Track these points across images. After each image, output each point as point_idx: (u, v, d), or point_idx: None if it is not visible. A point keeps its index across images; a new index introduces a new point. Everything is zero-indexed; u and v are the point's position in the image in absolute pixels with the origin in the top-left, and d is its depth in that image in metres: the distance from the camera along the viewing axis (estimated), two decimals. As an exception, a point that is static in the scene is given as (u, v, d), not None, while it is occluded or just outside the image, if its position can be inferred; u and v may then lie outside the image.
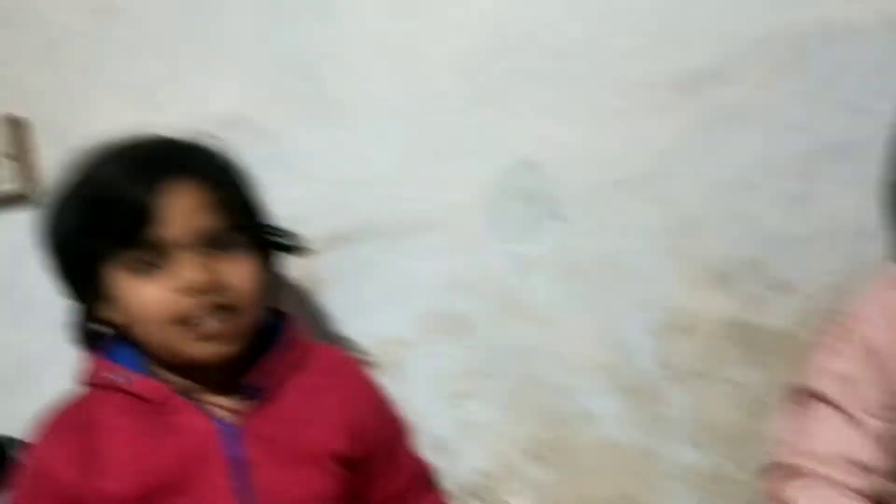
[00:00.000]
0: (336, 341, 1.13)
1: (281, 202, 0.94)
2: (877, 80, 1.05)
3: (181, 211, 0.79)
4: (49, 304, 0.97)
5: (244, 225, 0.84)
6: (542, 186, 1.11)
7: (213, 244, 0.80)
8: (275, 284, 0.92)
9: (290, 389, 0.86)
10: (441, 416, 1.14)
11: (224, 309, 0.80)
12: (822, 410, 0.84)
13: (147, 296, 0.79)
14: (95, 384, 0.85)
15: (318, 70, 1.11)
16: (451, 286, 1.14)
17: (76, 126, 1.06)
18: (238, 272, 0.81)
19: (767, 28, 1.06)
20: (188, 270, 0.78)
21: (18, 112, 1.11)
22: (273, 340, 0.87)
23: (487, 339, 1.14)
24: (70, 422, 0.84)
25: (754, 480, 1.11)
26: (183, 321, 0.79)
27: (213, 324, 0.79)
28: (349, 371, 0.94)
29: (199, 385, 0.83)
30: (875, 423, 0.80)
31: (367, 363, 1.09)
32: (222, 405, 0.83)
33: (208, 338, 0.79)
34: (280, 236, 0.92)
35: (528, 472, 1.15)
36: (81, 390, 0.86)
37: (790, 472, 0.83)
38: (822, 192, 1.07)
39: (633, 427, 1.14)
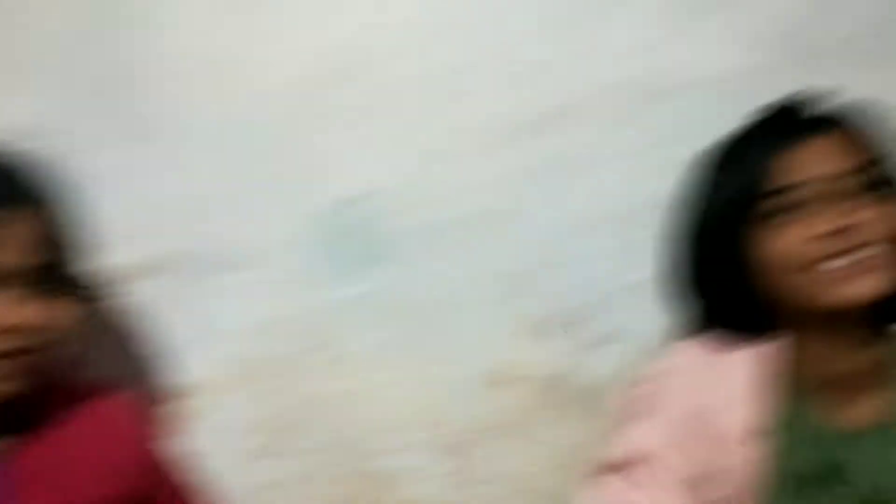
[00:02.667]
0: (134, 381, 1.02)
1: (89, 225, 0.85)
2: (709, 136, 1.07)
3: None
4: None
5: (59, 264, 0.78)
6: (367, 225, 1.05)
7: (27, 283, 0.74)
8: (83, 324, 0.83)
9: (60, 433, 0.82)
10: (242, 473, 1.03)
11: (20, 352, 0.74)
12: (626, 481, 0.79)
13: None
14: None
15: (133, 85, 1.02)
16: (263, 328, 1.05)
17: None
18: (43, 313, 0.75)
19: (609, 76, 1.07)
20: None
21: None
22: (56, 381, 0.83)
23: (299, 389, 1.05)
24: None
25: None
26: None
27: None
28: (120, 418, 0.88)
29: None
30: (675, 499, 0.76)
31: (163, 408, 1.00)
32: None
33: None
34: (90, 279, 0.88)
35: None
36: None
37: None
38: (648, 244, 1.06)
39: (449, 487, 1.07)
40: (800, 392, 0.76)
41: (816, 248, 0.72)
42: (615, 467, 0.80)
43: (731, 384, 0.78)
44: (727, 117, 1.02)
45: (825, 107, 0.80)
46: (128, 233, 1.02)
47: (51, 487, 0.79)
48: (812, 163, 0.73)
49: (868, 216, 0.72)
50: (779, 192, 0.73)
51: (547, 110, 1.06)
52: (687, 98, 1.06)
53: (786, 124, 0.77)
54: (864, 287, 0.71)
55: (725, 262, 0.79)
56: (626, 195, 1.07)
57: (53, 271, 0.77)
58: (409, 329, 1.06)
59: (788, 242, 0.73)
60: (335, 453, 1.06)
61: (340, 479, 1.05)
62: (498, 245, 1.07)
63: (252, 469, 1.04)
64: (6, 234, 0.73)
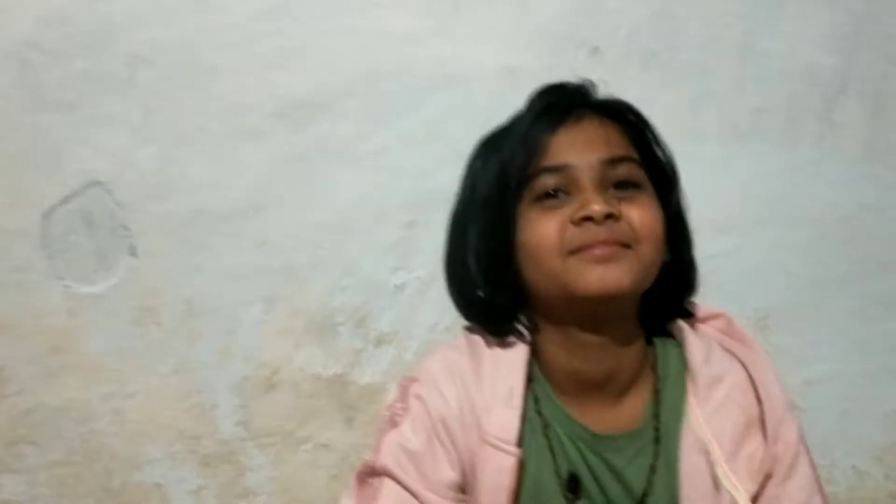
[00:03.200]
0: None
1: None
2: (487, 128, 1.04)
3: None
4: None
5: None
6: (111, 213, 0.94)
7: None
8: None
9: None
10: None
11: None
12: (386, 487, 0.75)
13: None
14: None
15: None
16: (-8, 330, 0.92)
17: None
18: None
19: (380, 64, 1.00)
20: None
21: None
22: None
23: (33, 397, 0.94)
24: None
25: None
26: None
27: None
28: None
29: None
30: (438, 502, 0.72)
31: None
32: None
33: None
34: None
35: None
36: None
37: None
38: (426, 241, 1.02)
39: (211, 500, 0.98)
40: (557, 394, 0.75)
41: (573, 233, 0.69)
42: (380, 471, 0.76)
43: (492, 386, 0.75)
44: (503, 111, 1.00)
45: (594, 96, 0.79)
46: None
47: None
48: (576, 147, 0.69)
49: (630, 211, 0.71)
50: (540, 172, 0.69)
51: (321, 94, 0.98)
52: (461, 91, 1.02)
53: (552, 107, 0.73)
54: (612, 279, 0.69)
55: (489, 247, 0.75)
56: (397, 189, 1.01)
57: None
58: (163, 330, 0.97)
59: (547, 227, 0.71)
60: (84, 468, 0.96)
61: (89, 496, 0.95)
62: (262, 238, 0.98)
63: None
64: None
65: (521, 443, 0.71)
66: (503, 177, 0.71)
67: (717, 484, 0.65)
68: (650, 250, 0.69)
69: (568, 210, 0.68)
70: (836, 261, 1.07)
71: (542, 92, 0.74)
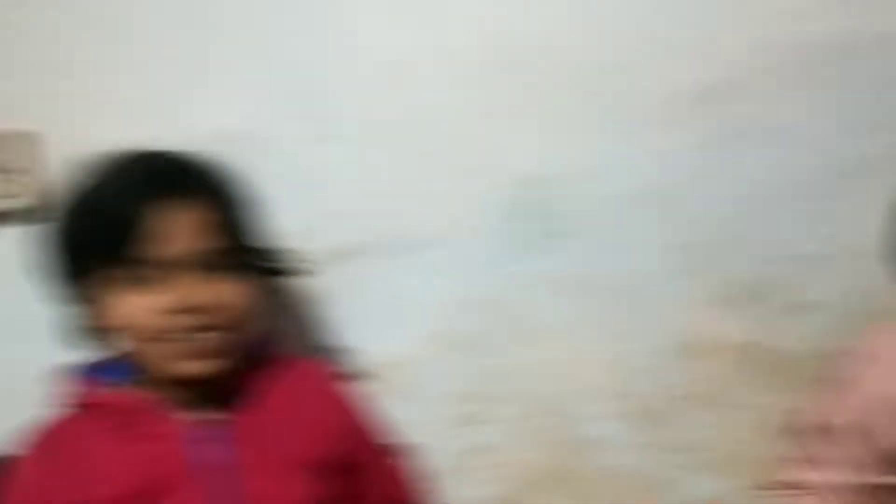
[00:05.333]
0: (336, 358, 1.10)
1: (284, 217, 0.95)
2: (887, 96, 1.02)
3: (178, 230, 0.79)
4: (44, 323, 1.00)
5: (239, 247, 0.85)
6: (549, 203, 1.08)
7: (206, 265, 0.81)
8: (271, 303, 0.93)
9: (272, 400, 0.87)
10: (446, 439, 1.10)
11: (212, 328, 0.81)
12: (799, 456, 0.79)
13: (137, 309, 0.80)
14: (77, 404, 0.86)
15: (319, 85, 1.09)
16: (456, 305, 1.10)
17: (83, 140, 1.05)
18: (229, 293, 0.82)
19: (788, 39, 1.04)
20: (182, 290, 0.79)
21: (28, 126, 1.11)
22: (258, 355, 0.89)
23: (493, 361, 1.10)
24: (55, 438, 0.85)
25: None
26: (171, 337, 0.80)
27: (200, 342, 0.80)
28: (326, 384, 0.95)
29: (186, 396, 0.83)
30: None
31: (368, 381, 1.08)
32: (207, 415, 0.84)
33: (195, 355, 0.81)
34: (276, 260, 0.94)
35: (537, 499, 1.11)
36: (64, 409, 0.87)
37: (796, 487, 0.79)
38: (839, 211, 1.03)
39: (645, 455, 1.10)
40: None
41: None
42: (800, 433, 0.81)
43: None
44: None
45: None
46: (325, 221, 1.09)
47: (268, 451, 0.84)
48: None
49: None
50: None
51: (717, 80, 1.05)
52: (860, 60, 1.02)
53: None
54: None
55: None
56: (802, 163, 1.04)
57: (235, 255, 0.83)
58: (595, 303, 1.09)
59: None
60: (534, 422, 1.10)
61: (540, 447, 1.10)
62: (679, 217, 1.07)
63: (456, 436, 1.10)
64: (187, 221, 0.80)
65: None
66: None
67: None
68: None
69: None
70: None
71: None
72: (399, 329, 1.11)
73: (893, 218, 0.81)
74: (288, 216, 0.97)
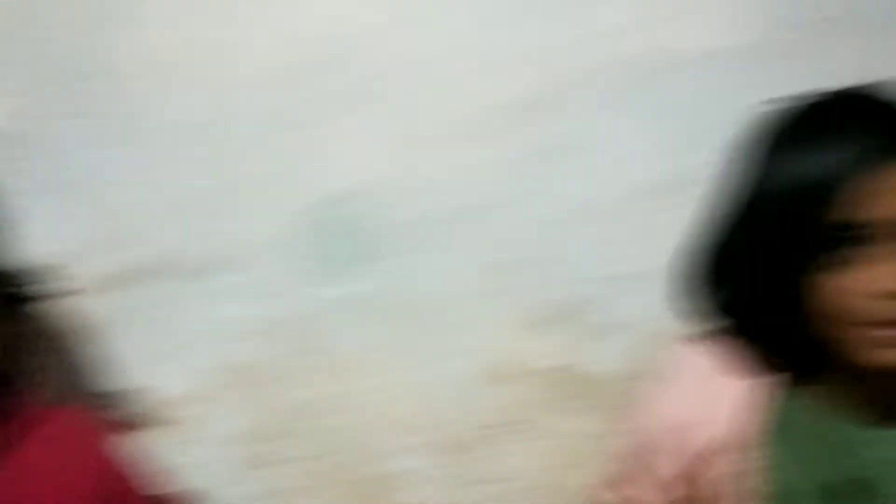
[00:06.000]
0: (108, 401, 0.98)
1: (51, 233, 0.86)
2: (707, 112, 1.02)
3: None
4: None
5: None
6: (356, 221, 1.00)
7: None
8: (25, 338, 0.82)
9: (19, 461, 0.79)
10: (236, 483, 1.00)
11: None
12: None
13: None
14: None
15: (111, 83, 0.98)
16: (249, 334, 1.01)
17: None
18: None
19: (595, 57, 1.01)
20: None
21: None
22: (6, 405, 0.81)
23: (292, 394, 1.02)
24: None
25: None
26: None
27: None
28: (86, 440, 0.85)
29: None
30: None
31: (146, 423, 0.97)
32: None
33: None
34: (32, 283, 0.85)
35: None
36: None
37: None
38: (653, 230, 1.01)
39: (453, 488, 1.04)
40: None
41: (876, 307, 0.63)
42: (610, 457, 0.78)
43: (734, 390, 0.74)
44: (723, 95, 0.99)
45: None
46: (107, 238, 0.98)
47: None
48: (881, 197, 0.62)
49: None
50: (844, 227, 0.62)
51: (535, 96, 1.00)
52: (679, 77, 1.01)
53: (861, 136, 0.63)
54: None
55: (766, 286, 0.68)
56: (620, 180, 1.01)
57: None
58: (403, 327, 1.02)
59: (846, 294, 0.63)
60: (333, 459, 1.02)
61: (339, 486, 1.02)
62: (491, 237, 1.02)
63: (248, 479, 1.01)
64: None
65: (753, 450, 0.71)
66: (792, 217, 0.64)
67: None
68: None
69: (871, 277, 0.62)
70: None
71: (845, 118, 0.66)
72: (183, 362, 1.00)
73: (702, 247, 0.77)
74: (57, 231, 0.88)
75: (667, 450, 0.74)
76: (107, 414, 0.93)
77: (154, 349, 1.00)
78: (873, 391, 0.69)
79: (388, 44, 1.00)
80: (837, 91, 0.67)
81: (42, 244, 0.91)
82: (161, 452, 0.94)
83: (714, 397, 0.73)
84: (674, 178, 1.01)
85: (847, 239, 0.62)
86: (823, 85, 0.69)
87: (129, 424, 0.95)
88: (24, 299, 0.84)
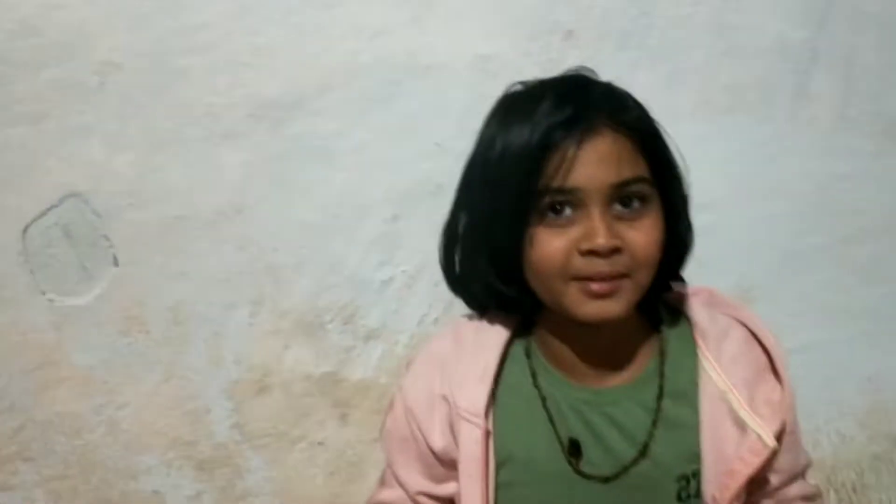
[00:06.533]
0: None
1: None
2: (464, 118, 1.03)
3: None
4: None
5: None
6: (90, 223, 0.93)
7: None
8: None
9: None
10: None
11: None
12: (388, 475, 0.77)
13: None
14: None
15: None
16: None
17: None
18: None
19: (352, 59, 0.99)
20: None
21: None
22: None
23: (22, 414, 0.94)
24: None
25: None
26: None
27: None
28: None
29: None
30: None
31: None
32: None
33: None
34: None
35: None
36: None
37: None
38: (409, 234, 1.02)
39: (210, 503, 0.99)
40: (554, 367, 0.77)
41: (577, 262, 0.70)
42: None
43: (469, 365, 0.78)
44: (486, 94, 1.00)
45: (607, 102, 0.77)
46: None
47: None
48: (587, 168, 0.69)
49: (633, 238, 0.72)
50: (553, 191, 0.69)
51: (281, 95, 0.97)
52: (436, 82, 1.01)
53: (568, 119, 0.70)
54: (609, 311, 0.70)
55: (489, 246, 0.76)
56: (378, 184, 1.00)
57: None
58: (150, 338, 0.97)
59: (557, 251, 0.71)
60: (79, 481, 0.96)
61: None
62: (248, 240, 0.98)
63: None
64: None
65: (488, 415, 0.73)
66: (515, 184, 0.71)
67: (741, 427, 0.68)
68: (646, 275, 0.70)
69: (574, 233, 0.69)
70: (813, 231, 1.08)
71: (565, 87, 0.73)
72: None
73: (446, 243, 0.80)
74: None
75: (416, 429, 0.76)
76: None
77: None
78: (586, 349, 0.74)
79: (124, 31, 0.93)
80: (558, 75, 0.74)
81: None
82: None
83: (453, 371, 0.76)
84: (419, 182, 1.02)
85: (558, 203, 0.68)
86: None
87: None
88: None
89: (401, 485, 0.77)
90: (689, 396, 0.71)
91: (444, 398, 0.77)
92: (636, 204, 0.69)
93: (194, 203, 0.96)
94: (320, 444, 1.02)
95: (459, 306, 0.77)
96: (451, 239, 0.77)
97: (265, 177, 0.97)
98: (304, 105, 0.97)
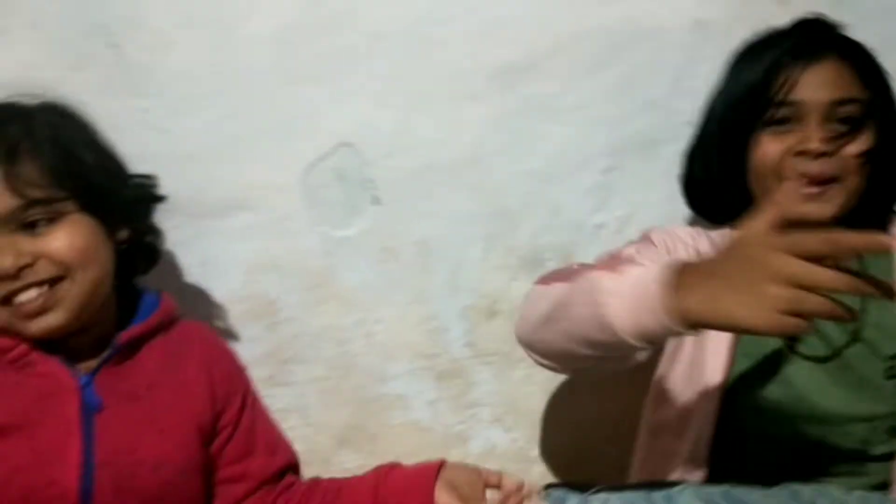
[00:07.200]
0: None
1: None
2: (679, 79, 1.13)
3: None
4: None
5: (63, 191, 0.82)
6: (358, 169, 1.10)
7: (15, 221, 0.79)
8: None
9: (154, 355, 0.89)
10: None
11: (41, 283, 0.80)
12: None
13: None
14: None
15: (120, 37, 1.04)
16: (261, 268, 1.10)
17: None
18: (54, 243, 0.80)
19: (579, 25, 1.11)
20: None
21: None
22: (140, 310, 0.91)
23: (299, 324, 1.12)
24: None
25: (555, 459, 1.17)
26: (4, 302, 0.80)
27: (30, 301, 0.80)
28: (214, 345, 0.97)
29: (65, 343, 0.84)
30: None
31: None
32: (86, 362, 0.85)
33: (31, 315, 0.80)
34: (126, 190, 0.91)
35: (340, 458, 1.14)
36: None
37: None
38: (622, 184, 1.13)
39: (444, 410, 1.15)
40: None
41: (793, 163, 0.83)
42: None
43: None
44: (699, 56, 1.09)
45: (838, 36, 0.90)
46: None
47: (134, 406, 0.85)
48: (812, 85, 0.83)
49: (847, 149, 0.83)
50: (777, 104, 0.84)
51: (528, 56, 1.10)
52: (654, 45, 1.11)
53: (801, 45, 0.87)
54: (815, 212, 0.83)
55: (726, 159, 0.91)
56: (596, 138, 1.13)
57: (66, 200, 0.82)
58: (400, 267, 1.13)
59: (771, 152, 0.85)
60: (338, 382, 1.13)
61: (343, 406, 1.13)
62: (483, 186, 1.12)
63: (268, 396, 1.06)
64: (26, 172, 0.79)
65: None
66: (742, 100, 0.88)
67: None
68: (855, 182, 0.82)
69: (791, 139, 0.83)
70: None
71: (797, 25, 0.90)
72: (199, 295, 1.10)
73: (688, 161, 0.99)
74: None
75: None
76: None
77: (171, 284, 1.08)
78: None
79: (381, 8, 1.08)
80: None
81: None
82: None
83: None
84: (637, 138, 1.13)
85: (782, 115, 0.84)
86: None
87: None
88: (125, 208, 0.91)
89: None
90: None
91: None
92: (852, 124, 0.83)
93: (441, 153, 1.11)
94: (538, 365, 1.16)
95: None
96: (692, 157, 0.97)
97: (499, 132, 1.12)
98: (535, 68, 1.11)
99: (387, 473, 0.91)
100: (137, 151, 1.04)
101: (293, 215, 1.10)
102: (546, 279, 0.88)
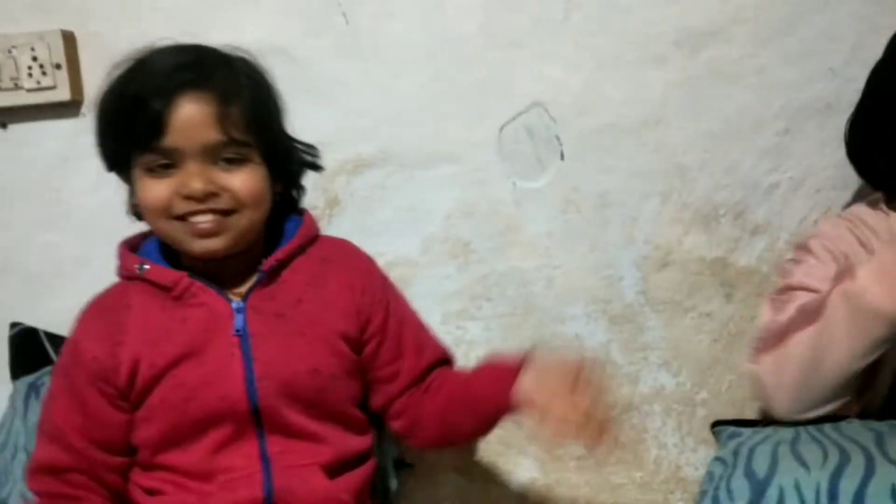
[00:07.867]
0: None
1: (308, 127, 1.01)
2: (856, 48, 1.17)
3: (190, 123, 0.86)
4: (87, 209, 1.11)
5: (253, 139, 0.90)
6: (548, 127, 1.21)
7: (215, 154, 0.88)
8: (290, 192, 1.01)
9: (298, 273, 0.96)
10: (440, 334, 1.17)
11: (218, 212, 0.89)
12: (797, 295, 1.00)
13: (152, 193, 0.89)
14: (124, 276, 0.96)
15: (348, 7, 1.20)
16: (458, 214, 1.24)
17: (120, 42, 1.10)
18: (237, 181, 0.89)
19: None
20: (188, 177, 0.87)
21: (68, 27, 1.19)
22: (289, 234, 0.98)
23: (489, 265, 1.24)
24: (102, 306, 0.96)
25: (719, 404, 1.24)
26: (179, 218, 0.89)
27: (204, 223, 0.89)
28: (356, 258, 1.03)
29: (218, 271, 0.93)
30: None
31: None
32: (237, 289, 0.94)
33: (202, 234, 0.89)
34: (295, 153, 1.00)
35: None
36: (116, 282, 0.96)
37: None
38: (797, 147, 1.19)
39: (616, 351, 1.25)
40: None
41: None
42: (771, 297, 1.05)
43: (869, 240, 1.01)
44: (878, 25, 1.12)
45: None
46: (345, 135, 1.22)
47: (285, 322, 0.92)
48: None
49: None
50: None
51: (711, 22, 1.18)
52: (833, 15, 1.16)
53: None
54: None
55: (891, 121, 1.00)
56: (774, 102, 1.19)
57: (264, 148, 0.90)
58: (582, 217, 1.23)
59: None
60: (522, 319, 1.25)
61: (526, 341, 1.24)
62: (655, 146, 1.21)
63: (452, 329, 1.24)
64: (219, 113, 0.86)
65: None
66: None
67: None
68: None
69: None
70: None
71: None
72: (405, 234, 1.24)
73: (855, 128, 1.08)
74: (311, 127, 1.03)
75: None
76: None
77: (382, 222, 1.23)
78: None
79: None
80: None
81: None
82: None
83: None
84: (813, 102, 1.18)
85: None
86: None
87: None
88: (296, 164, 1.00)
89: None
90: None
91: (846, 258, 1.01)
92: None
93: (625, 113, 1.21)
94: (707, 315, 1.24)
95: (837, 211, 1.04)
96: (858, 124, 1.05)
97: (681, 94, 1.20)
98: (718, 34, 1.18)
99: (488, 361, 0.99)
100: (359, 107, 1.21)
101: (488, 168, 1.22)
102: (759, 352, 0.98)
